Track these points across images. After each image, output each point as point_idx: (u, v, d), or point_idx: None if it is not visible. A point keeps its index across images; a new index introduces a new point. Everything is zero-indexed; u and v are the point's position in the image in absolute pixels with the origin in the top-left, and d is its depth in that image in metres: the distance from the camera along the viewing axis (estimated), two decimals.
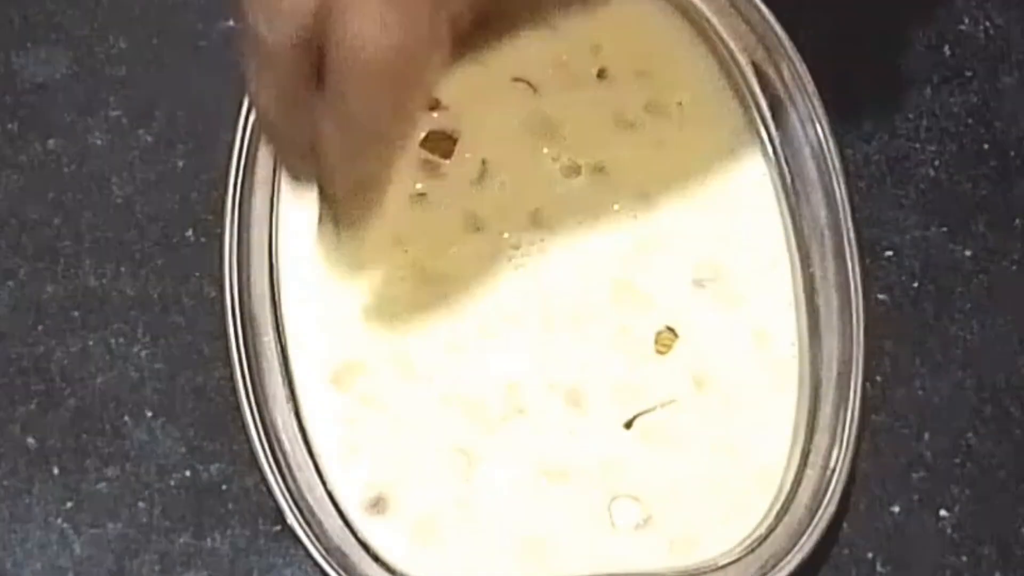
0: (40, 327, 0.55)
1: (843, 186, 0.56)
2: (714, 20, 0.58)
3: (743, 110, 0.58)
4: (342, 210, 0.49)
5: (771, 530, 0.51)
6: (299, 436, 0.52)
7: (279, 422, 0.52)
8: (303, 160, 0.46)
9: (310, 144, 0.45)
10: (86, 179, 0.57)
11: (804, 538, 0.51)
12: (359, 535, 0.51)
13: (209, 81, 0.59)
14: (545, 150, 0.57)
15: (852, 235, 0.55)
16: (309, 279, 0.55)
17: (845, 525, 0.53)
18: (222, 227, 0.54)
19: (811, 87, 0.57)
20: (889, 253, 0.58)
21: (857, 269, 0.55)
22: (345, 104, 0.43)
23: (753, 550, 0.51)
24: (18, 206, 0.57)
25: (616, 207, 0.56)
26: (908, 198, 0.59)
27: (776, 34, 0.57)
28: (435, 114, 0.57)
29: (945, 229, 0.58)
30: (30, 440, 0.54)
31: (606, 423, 0.53)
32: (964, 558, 0.53)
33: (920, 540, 0.54)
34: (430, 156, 0.57)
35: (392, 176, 0.46)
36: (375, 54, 0.41)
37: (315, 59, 0.42)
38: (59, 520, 0.53)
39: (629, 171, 0.57)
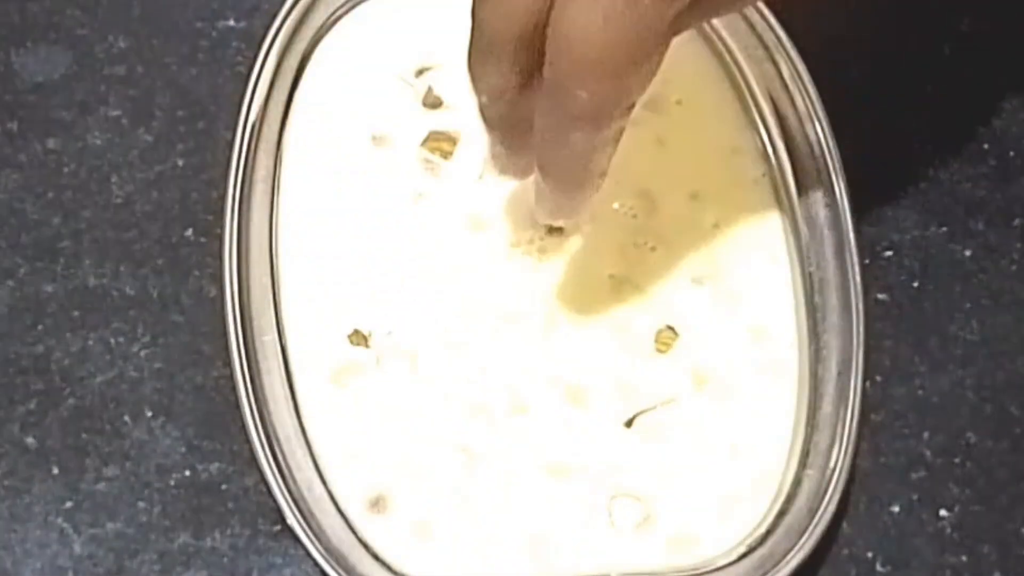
0: (39, 326, 0.55)
1: (843, 185, 0.56)
2: (714, 19, 0.58)
3: (743, 110, 0.58)
4: (557, 204, 0.49)
5: (771, 530, 0.51)
6: (299, 436, 0.52)
7: (279, 422, 0.52)
8: (515, 154, 0.47)
9: (525, 139, 0.46)
10: (86, 178, 0.58)
11: (804, 538, 0.51)
12: (359, 535, 0.51)
13: (209, 81, 0.59)
14: None
15: (852, 234, 0.55)
16: (309, 278, 0.55)
17: (845, 525, 0.53)
18: (222, 227, 0.54)
19: (811, 87, 0.57)
20: (889, 252, 0.58)
21: (857, 268, 0.55)
22: (562, 97, 0.42)
23: (753, 550, 0.51)
24: (18, 205, 0.57)
25: (615, 205, 0.57)
26: (907, 197, 0.59)
27: (776, 34, 0.57)
28: (437, 112, 0.57)
29: (945, 228, 0.58)
30: (29, 440, 0.54)
31: (607, 422, 0.53)
32: (964, 558, 0.54)
33: (920, 540, 0.54)
34: (430, 156, 0.57)
35: (605, 172, 0.46)
36: (596, 47, 0.41)
37: (539, 51, 0.42)
38: (59, 519, 0.53)
39: (628, 169, 0.57)
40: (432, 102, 0.57)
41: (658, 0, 0.41)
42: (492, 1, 0.43)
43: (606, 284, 0.55)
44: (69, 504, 0.53)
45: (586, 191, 0.48)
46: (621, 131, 0.45)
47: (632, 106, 0.44)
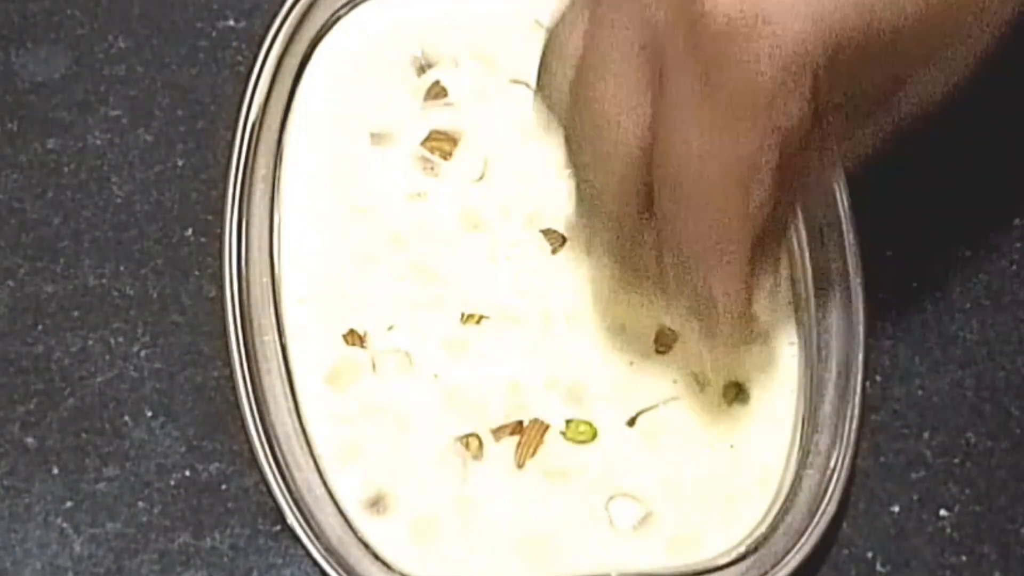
0: (39, 326, 0.55)
1: (842, 184, 0.56)
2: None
3: None
4: (714, 325, 0.47)
5: (771, 530, 0.51)
6: (299, 436, 0.52)
7: (279, 422, 0.52)
8: (646, 281, 0.48)
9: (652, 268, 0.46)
10: (85, 178, 0.57)
11: (804, 538, 0.51)
12: (359, 535, 0.51)
13: (209, 80, 0.59)
14: (545, 150, 0.57)
15: (852, 234, 0.55)
16: (309, 278, 0.55)
17: (845, 525, 0.53)
18: (222, 227, 0.54)
19: None
20: (889, 252, 0.58)
21: (857, 268, 0.55)
22: (674, 226, 0.44)
23: (753, 550, 0.51)
24: (17, 205, 0.57)
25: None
26: (908, 197, 0.59)
27: None
28: (437, 112, 0.57)
29: (945, 228, 0.58)
30: (29, 440, 0.54)
31: (606, 422, 0.53)
32: (964, 558, 0.53)
33: (920, 539, 0.54)
34: (430, 156, 0.57)
35: (751, 286, 0.46)
36: (701, 175, 0.42)
37: (645, 190, 0.44)
38: (58, 519, 0.53)
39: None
40: (436, 95, 0.57)
41: (757, 128, 0.41)
42: (591, 158, 0.44)
43: (605, 284, 0.55)
44: (69, 504, 0.53)
45: (741, 311, 0.47)
46: (742, 252, 0.44)
47: (741, 229, 0.44)
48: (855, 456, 0.52)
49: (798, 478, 0.52)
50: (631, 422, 0.53)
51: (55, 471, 0.53)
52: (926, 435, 0.55)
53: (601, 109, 0.43)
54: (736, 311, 0.46)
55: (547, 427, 0.53)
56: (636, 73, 0.42)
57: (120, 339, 0.55)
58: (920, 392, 0.56)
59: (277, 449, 0.51)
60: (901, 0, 0.42)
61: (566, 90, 0.45)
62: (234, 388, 0.52)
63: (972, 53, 0.45)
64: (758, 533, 0.51)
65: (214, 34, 0.60)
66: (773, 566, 0.51)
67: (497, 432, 0.53)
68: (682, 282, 0.46)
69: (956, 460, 0.55)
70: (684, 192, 0.43)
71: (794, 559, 0.50)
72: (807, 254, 0.56)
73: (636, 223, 0.45)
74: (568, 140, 0.46)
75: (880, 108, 0.45)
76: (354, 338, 0.54)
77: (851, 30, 0.41)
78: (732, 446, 0.53)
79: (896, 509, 0.54)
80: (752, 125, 0.41)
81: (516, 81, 0.58)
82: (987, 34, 0.45)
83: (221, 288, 0.53)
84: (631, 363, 0.54)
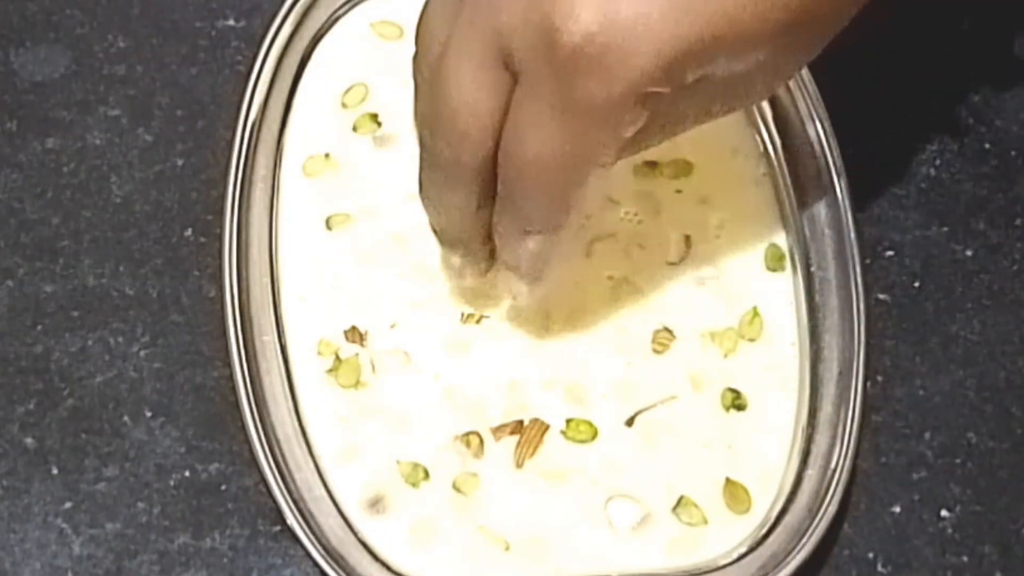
0: (39, 326, 0.55)
1: (843, 185, 0.56)
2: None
3: (744, 110, 0.58)
4: (521, 288, 0.52)
5: (771, 530, 0.51)
6: (299, 436, 0.52)
7: (279, 422, 0.52)
8: (475, 261, 0.52)
9: (484, 246, 0.51)
10: (85, 178, 0.58)
11: (804, 538, 0.51)
12: (359, 535, 0.51)
13: (209, 80, 0.59)
14: None
15: (853, 234, 0.55)
16: (309, 278, 0.55)
17: (846, 525, 0.53)
18: (221, 226, 0.54)
19: (811, 86, 0.57)
20: (890, 252, 0.58)
21: (858, 268, 0.55)
22: (514, 210, 0.47)
23: (753, 550, 0.51)
24: (17, 205, 0.57)
25: (615, 206, 0.56)
26: (909, 197, 0.59)
27: None
28: None
29: (946, 228, 0.58)
30: (29, 440, 0.54)
31: (605, 422, 0.53)
32: (965, 558, 0.53)
33: (921, 540, 0.54)
34: None
35: (563, 253, 0.50)
36: (542, 171, 0.45)
37: (494, 173, 0.47)
38: (58, 520, 0.53)
39: (628, 170, 0.57)
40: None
41: (601, 137, 0.45)
42: (441, 130, 0.46)
43: (605, 285, 0.55)
44: (68, 504, 0.53)
45: (547, 278, 0.51)
46: (572, 232, 0.49)
47: (573, 209, 0.47)
48: (856, 456, 0.52)
49: (799, 478, 0.52)
50: (630, 422, 0.53)
51: (55, 471, 0.53)
52: (927, 435, 0.55)
53: (458, 98, 0.45)
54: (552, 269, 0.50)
55: (547, 427, 0.53)
56: (491, 73, 0.45)
57: (120, 339, 0.55)
58: (921, 392, 0.56)
59: (277, 449, 0.51)
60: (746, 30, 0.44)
61: (433, 64, 0.46)
62: (234, 388, 0.52)
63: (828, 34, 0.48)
64: (758, 533, 0.51)
65: (214, 34, 0.60)
66: (773, 566, 0.50)
67: (497, 432, 0.53)
68: (513, 254, 0.49)
69: (957, 460, 0.55)
70: (523, 183, 0.46)
71: (794, 559, 0.50)
72: (809, 254, 0.55)
73: (483, 203, 0.48)
74: (422, 109, 0.48)
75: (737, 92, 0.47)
76: (354, 337, 0.54)
77: (697, 56, 0.43)
78: (731, 446, 0.53)
79: (897, 510, 0.54)
80: (593, 133, 0.44)
81: None
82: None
83: (221, 288, 0.53)
84: (630, 363, 0.54)
